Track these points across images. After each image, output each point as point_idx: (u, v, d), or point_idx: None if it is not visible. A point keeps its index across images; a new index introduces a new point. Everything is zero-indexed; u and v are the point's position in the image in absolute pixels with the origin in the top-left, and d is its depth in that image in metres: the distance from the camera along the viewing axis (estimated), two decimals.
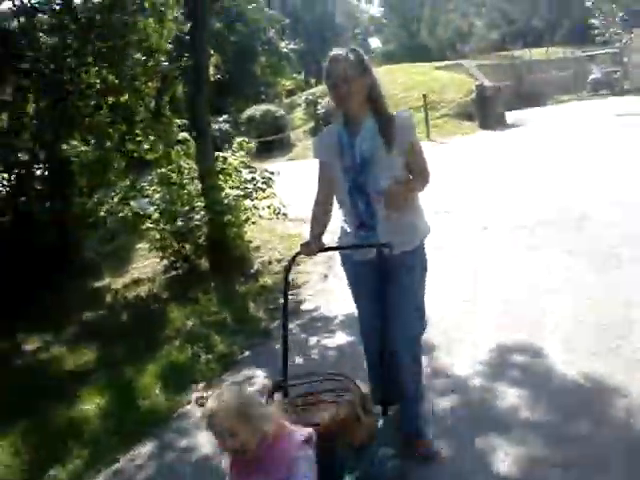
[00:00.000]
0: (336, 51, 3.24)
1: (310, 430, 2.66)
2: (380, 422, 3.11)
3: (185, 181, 8.14)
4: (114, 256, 9.88)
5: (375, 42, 59.38)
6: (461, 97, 21.89)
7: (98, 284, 8.85)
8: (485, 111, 20.26)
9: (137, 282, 8.47)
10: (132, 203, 8.61)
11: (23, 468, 4.32)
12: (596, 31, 33.27)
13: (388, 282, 3.36)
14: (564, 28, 45.51)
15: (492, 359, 4.56)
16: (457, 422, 3.87)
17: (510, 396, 4.06)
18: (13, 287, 8.03)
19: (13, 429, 4.77)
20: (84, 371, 5.77)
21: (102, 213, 8.78)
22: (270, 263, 7.79)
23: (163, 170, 8.33)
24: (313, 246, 3.35)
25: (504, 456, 3.51)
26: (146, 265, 9.04)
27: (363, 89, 3.22)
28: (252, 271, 7.71)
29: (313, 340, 5.42)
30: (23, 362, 6.49)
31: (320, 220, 3.48)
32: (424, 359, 3.85)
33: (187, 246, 8.09)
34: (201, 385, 2.84)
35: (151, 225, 8.12)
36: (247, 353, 5.48)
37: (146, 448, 4.21)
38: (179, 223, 7.67)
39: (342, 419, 2.86)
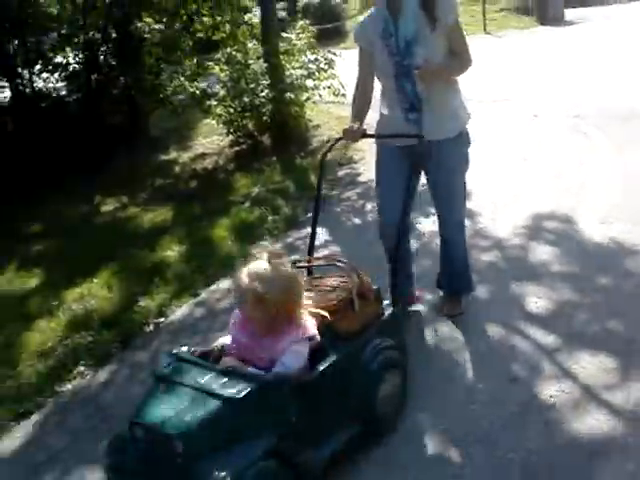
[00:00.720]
0: None
1: (316, 334, 2.65)
2: (387, 313, 3.07)
3: (250, 61, 8.54)
4: (179, 132, 10.44)
5: None
6: None
7: (165, 157, 9.45)
8: (544, 6, 19.85)
9: (203, 156, 9.06)
10: (199, 81, 9.10)
11: (116, 300, 4.99)
12: None
13: (432, 169, 3.52)
14: None
15: (532, 224, 5.11)
16: (495, 273, 4.44)
17: (544, 254, 4.61)
18: (88, 158, 8.69)
19: (104, 269, 5.46)
20: (161, 227, 6.44)
21: (170, 90, 9.29)
22: (328, 141, 8.27)
23: (229, 50, 8.73)
24: (355, 132, 3.39)
25: (536, 299, 4.07)
26: (211, 141, 9.60)
27: None
28: (311, 148, 8.23)
29: (368, 206, 6.00)
30: (103, 221, 7.17)
31: (361, 105, 3.52)
32: (469, 223, 4.39)
33: (251, 123, 8.59)
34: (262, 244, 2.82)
35: (217, 103, 8.60)
36: (309, 215, 6.08)
37: (224, 284, 4.87)
38: (245, 99, 8.14)
39: (334, 305, 2.80)
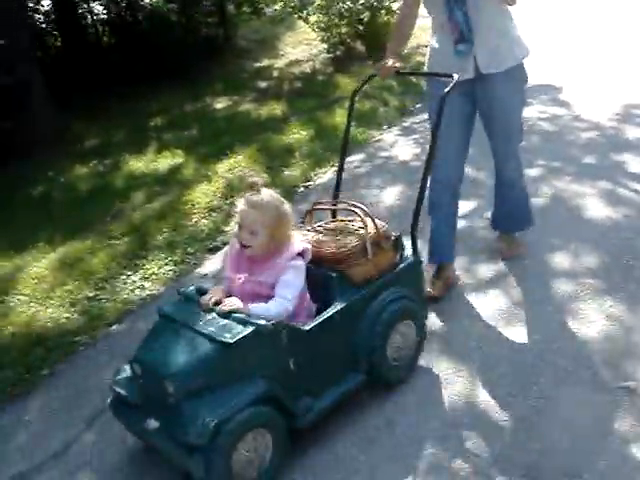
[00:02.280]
0: None
1: (306, 245, 2.68)
2: (404, 263, 2.93)
3: None
4: (266, 43, 11.04)
5: None
6: None
7: (259, 64, 10.09)
8: None
9: (297, 62, 9.69)
10: None
11: (263, 170, 5.69)
12: None
13: (487, 105, 3.33)
14: None
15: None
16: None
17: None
18: (183, 66, 9.32)
19: (245, 148, 6.20)
20: (282, 117, 7.15)
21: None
22: (417, 48, 8.79)
23: None
24: (390, 66, 3.16)
25: None
26: (301, 50, 10.22)
27: None
28: (403, 54, 8.77)
29: None
30: (223, 114, 7.88)
31: (402, 34, 3.34)
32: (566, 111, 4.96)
33: (345, 30, 9.15)
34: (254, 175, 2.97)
35: (313, 11, 9.16)
36: (418, 105, 6.76)
37: (358, 157, 5.58)
38: (342, 5, 8.68)
39: (346, 252, 2.70)
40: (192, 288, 2.73)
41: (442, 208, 3.51)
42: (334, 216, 3.16)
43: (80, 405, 3.21)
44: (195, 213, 5.14)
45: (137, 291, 4.21)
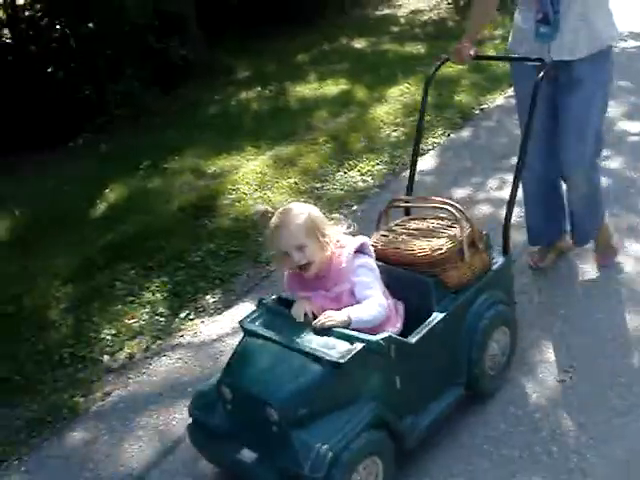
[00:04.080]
0: None
1: (361, 239, 2.48)
2: (498, 263, 2.74)
3: None
4: None
5: None
6: None
7: (380, 13, 10.72)
8: None
9: (418, 12, 10.31)
10: None
11: (433, 95, 6.14)
12: None
13: (564, 94, 3.01)
14: None
15: None
16: None
17: None
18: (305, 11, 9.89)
19: (408, 79, 6.87)
20: (426, 56, 7.78)
21: None
22: None
23: None
24: (466, 52, 2.92)
25: None
26: (418, 0, 10.84)
27: None
28: None
29: None
30: (366, 52, 8.53)
31: (478, 20, 3.10)
32: None
33: None
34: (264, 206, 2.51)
35: None
36: None
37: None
38: None
39: (442, 254, 2.48)
40: (274, 298, 2.51)
41: (538, 199, 3.35)
42: (407, 214, 2.92)
43: None
44: (383, 127, 5.84)
45: (360, 183, 4.94)
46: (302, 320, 2.31)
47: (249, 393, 2.18)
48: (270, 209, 2.44)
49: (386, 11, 10.76)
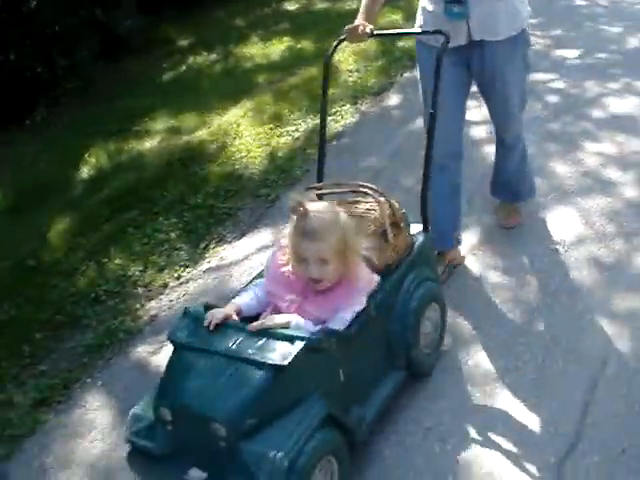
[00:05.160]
0: None
1: (375, 278, 2.35)
2: (419, 241, 2.68)
3: None
4: None
5: None
6: None
7: None
8: None
9: None
10: None
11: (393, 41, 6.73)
12: None
13: (484, 75, 2.98)
14: None
15: None
16: None
17: None
18: None
19: None
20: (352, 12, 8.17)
21: None
22: None
23: None
24: (361, 29, 2.75)
25: None
26: None
27: None
28: None
29: None
30: (300, 12, 8.79)
31: None
32: None
33: None
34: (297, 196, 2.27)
35: None
36: None
37: None
38: None
39: (366, 237, 2.41)
40: (199, 304, 2.38)
41: (447, 201, 3.22)
42: (320, 199, 2.67)
43: None
44: (340, 73, 6.20)
45: (331, 123, 5.31)
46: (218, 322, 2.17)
47: (191, 411, 2.02)
48: (304, 203, 2.18)
49: None
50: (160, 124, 5.97)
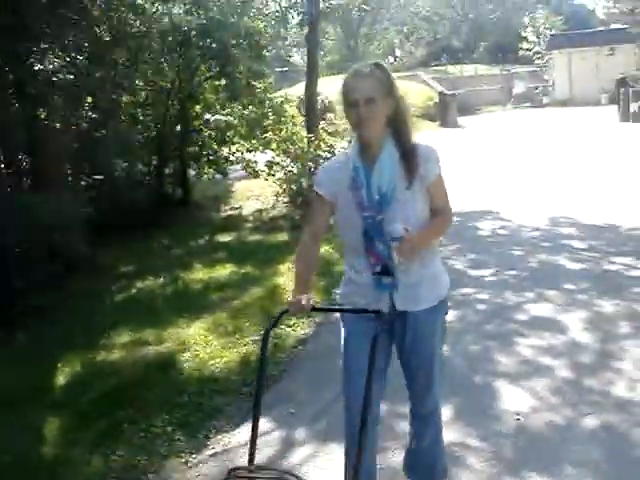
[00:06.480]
0: (360, 65, 2.82)
1: None
2: None
3: None
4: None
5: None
6: (423, 102, 26.31)
7: (223, 214, 12.33)
8: (445, 113, 24.91)
9: (261, 210, 12.04)
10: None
11: None
12: (525, 46, 38.76)
13: (405, 344, 3.00)
14: (482, 47, 51.60)
15: None
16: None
17: None
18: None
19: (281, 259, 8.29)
20: (284, 243, 9.32)
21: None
22: None
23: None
24: (304, 303, 2.78)
25: None
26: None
27: (387, 111, 2.77)
28: None
29: None
30: (231, 245, 9.91)
31: (308, 268, 3.01)
32: None
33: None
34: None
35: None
36: None
37: None
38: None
39: None
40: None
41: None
42: None
43: None
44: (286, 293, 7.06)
45: (290, 335, 6.05)
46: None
47: None
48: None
49: (229, 212, 12.34)
50: (125, 338, 6.45)
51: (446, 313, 3.11)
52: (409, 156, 2.81)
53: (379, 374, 2.91)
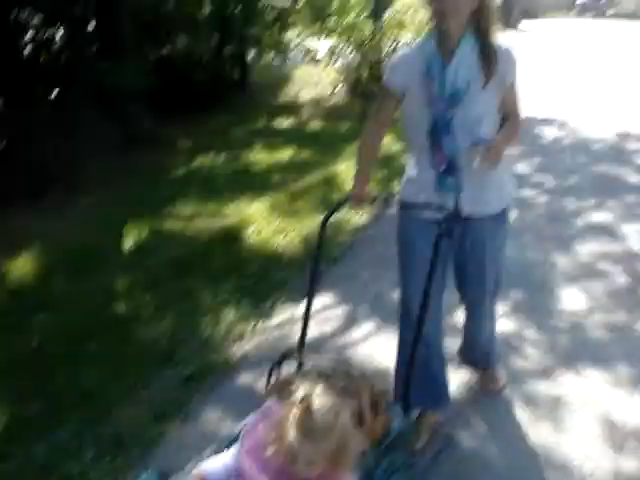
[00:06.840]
0: None
1: None
2: (396, 424, 2.52)
3: None
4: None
5: None
6: None
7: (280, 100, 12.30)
8: (508, 15, 24.51)
9: (318, 99, 11.98)
10: None
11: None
12: None
13: (466, 251, 2.91)
14: None
15: None
16: None
17: None
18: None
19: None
20: (347, 133, 9.32)
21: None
22: None
23: None
24: (364, 196, 2.79)
25: None
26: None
27: (472, 4, 2.55)
28: None
29: None
30: (290, 130, 9.93)
31: (371, 158, 2.96)
32: None
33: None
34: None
35: None
36: None
37: None
38: None
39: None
40: (154, 471, 2.26)
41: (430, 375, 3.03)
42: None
43: None
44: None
45: (355, 217, 6.16)
46: None
47: None
48: (310, 396, 1.93)
49: (287, 98, 12.31)
50: (188, 210, 6.64)
51: (509, 222, 3.01)
52: (489, 55, 2.60)
53: (440, 285, 2.87)
